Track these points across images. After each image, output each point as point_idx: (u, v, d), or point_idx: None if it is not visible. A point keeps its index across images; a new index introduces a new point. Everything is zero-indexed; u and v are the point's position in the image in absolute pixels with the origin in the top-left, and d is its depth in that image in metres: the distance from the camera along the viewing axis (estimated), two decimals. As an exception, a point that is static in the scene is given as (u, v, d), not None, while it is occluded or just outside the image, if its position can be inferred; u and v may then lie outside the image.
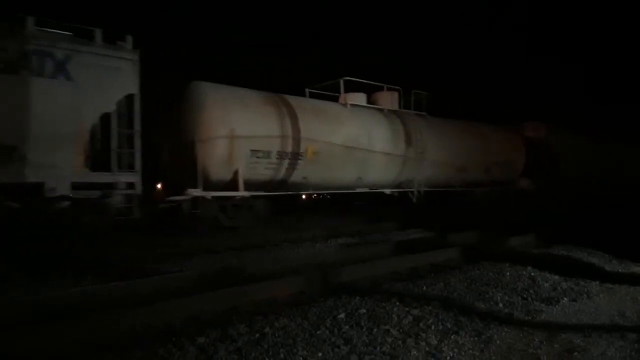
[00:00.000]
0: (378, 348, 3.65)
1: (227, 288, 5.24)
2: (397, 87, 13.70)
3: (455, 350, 3.67)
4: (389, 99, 13.62)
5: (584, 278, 5.89)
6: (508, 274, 6.06)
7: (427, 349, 3.67)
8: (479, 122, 16.40)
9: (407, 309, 4.53)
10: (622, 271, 6.58)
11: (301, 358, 3.47)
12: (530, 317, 4.50)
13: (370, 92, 13.62)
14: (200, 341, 3.73)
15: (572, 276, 5.95)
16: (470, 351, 3.68)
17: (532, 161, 17.27)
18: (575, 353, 3.72)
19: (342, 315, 4.32)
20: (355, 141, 11.92)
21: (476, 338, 3.91)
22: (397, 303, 4.70)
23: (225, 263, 7.14)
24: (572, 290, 5.42)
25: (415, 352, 3.60)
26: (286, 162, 10.77)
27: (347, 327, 4.06)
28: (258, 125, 10.45)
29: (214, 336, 3.83)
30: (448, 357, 3.57)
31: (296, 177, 11.08)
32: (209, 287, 5.45)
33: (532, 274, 6.05)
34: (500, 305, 4.84)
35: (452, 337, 3.90)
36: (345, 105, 12.52)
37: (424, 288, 5.37)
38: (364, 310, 4.45)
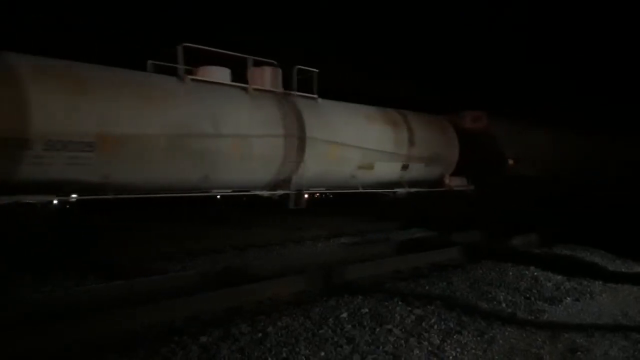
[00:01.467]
0: (381, 347, 3.65)
1: (229, 287, 5.24)
2: (272, 62, 10.08)
3: (458, 349, 3.67)
4: (266, 77, 10.08)
5: (586, 278, 5.88)
6: (511, 273, 6.05)
7: (429, 348, 3.67)
8: (399, 110, 12.91)
9: (409, 308, 4.53)
10: (625, 271, 6.57)
11: (304, 357, 3.47)
12: (533, 317, 4.50)
13: (243, 68, 9.85)
14: (202, 340, 3.73)
15: (575, 276, 5.93)
16: (473, 351, 3.68)
17: (470, 157, 14.47)
18: (578, 353, 3.71)
19: (344, 315, 4.32)
20: (193, 127, 8.52)
21: (479, 338, 3.91)
22: (400, 302, 4.69)
23: (228, 262, 7.15)
24: (575, 290, 5.41)
25: (417, 352, 3.60)
26: (63, 155, 7.12)
27: (349, 326, 4.05)
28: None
29: (216, 335, 3.84)
30: (451, 357, 3.56)
31: (88, 176, 7.48)
32: (211, 287, 5.46)
33: (535, 273, 6.04)
34: (503, 304, 4.83)
35: (454, 336, 3.89)
36: (182, 80, 8.89)
37: (427, 287, 5.36)
38: (367, 310, 4.45)
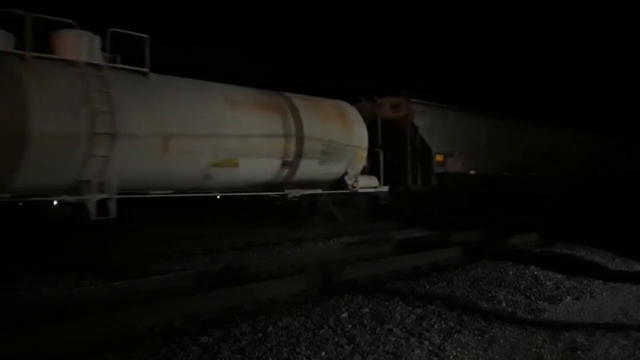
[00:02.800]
0: (381, 347, 3.64)
1: (229, 287, 5.24)
2: (70, 22, 7.35)
3: (459, 349, 3.66)
4: (74, 45, 7.22)
5: (587, 277, 5.88)
6: (511, 272, 6.05)
7: (430, 348, 3.67)
8: (283, 92, 10.14)
9: (410, 308, 4.52)
10: (626, 269, 6.57)
11: (304, 357, 3.46)
12: (533, 316, 4.49)
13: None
14: (203, 340, 3.72)
15: (575, 275, 5.93)
16: (474, 350, 3.67)
17: (386, 153, 11.89)
18: (579, 352, 3.70)
19: (345, 315, 4.31)
20: None
21: (479, 337, 3.90)
22: (400, 302, 4.69)
23: (228, 262, 7.15)
24: (576, 288, 5.41)
25: (418, 352, 3.60)
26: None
27: (350, 326, 4.05)
28: None
29: (217, 335, 3.83)
30: (451, 356, 3.56)
31: None
32: (211, 287, 5.46)
33: (535, 272, 6.04)
34: (504, 304, 4.83)
35: (455, 336, 3.89)
36: None
37: (427, 287, 5.36)
38: (367, 310, 4.45)
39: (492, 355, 3.62)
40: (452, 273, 6.10)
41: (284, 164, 9.41)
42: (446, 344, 3.73)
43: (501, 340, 3.86)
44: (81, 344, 3.85)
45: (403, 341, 3.76)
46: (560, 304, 4.87)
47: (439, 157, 13.38)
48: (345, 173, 10.68)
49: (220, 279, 5.94)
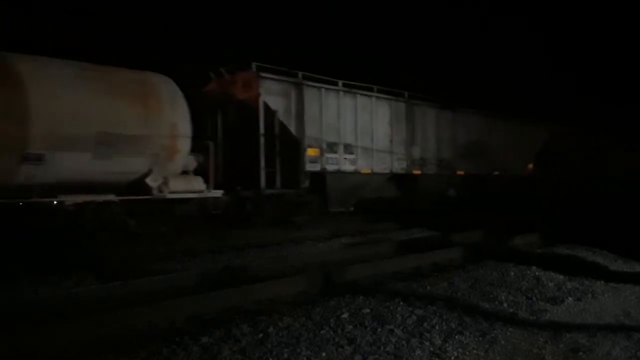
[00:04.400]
0: (382, 348, 3.63)
1: (230, 287, 5.23)
2: None
3: (460, 350, 3.65)
4: None
5: (588, 277, 5.86)
6: (512, 273, 6.04)
7: (431, 349, 3.65)
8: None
9: (411, 308, 4.51)
10: (627, 270, 6.56)
11: (305, 358, 3.45)
12: (535, 317, 4.48)
13: None
14: (204, 341, 3.71)
15: (576, 275, 5.92)
16: (475, 351, 3.66)
17: (234, 146, 9.47)
18: (580, 353, 3.69)
19: (345, 315, 4.30)
20: None
21: (481, 338, 3.89)
22: (401, 303, 4.68)
23: (228, 262, 7.14)
24: (577, 289, 5.40)
25: (419, 352, 3.59)
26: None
27: (350, 326, 4.04)
28: None
29: (217, 336, 3.82)
30: (452, 357, 3.55)
31: None
32: (211, 287, 5.45)
33: (537, 273, 6.03)
34: (505, 305, 4.81)
35: (456, 337, 3.88)
36: None
37: (428, 288, 5.35)
38: (368, 310, 4.44)
39: (493, 356, 3.61)
40: (453, 274, 6.09)
41: (24, 159, 6.62)
42: (447, 344, 3.72)
43: (502, 341, 3.85)
44: (81, 344, 3.84)
45: (404, 342, 3.75)
46: (561, 305, 4.85)
47: (312, 151, 10.52)
48: (149, 172, 7.71)
49: (220, 279, 5.93)
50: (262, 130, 9.90)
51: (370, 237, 10.07)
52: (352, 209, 11.91)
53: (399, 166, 13.08)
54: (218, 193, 9.04)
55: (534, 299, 5.04)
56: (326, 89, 11.55)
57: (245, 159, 9.83)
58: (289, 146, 10.33)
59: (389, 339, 3.80)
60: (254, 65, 10.04)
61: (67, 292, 5.26)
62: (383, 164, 12.70)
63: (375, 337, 3.83)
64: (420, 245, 8.41)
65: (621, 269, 6.64)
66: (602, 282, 5.73)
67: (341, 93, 11.91)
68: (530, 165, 18.17)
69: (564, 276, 5.92)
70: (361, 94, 12.38)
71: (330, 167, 11.30)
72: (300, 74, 10.99)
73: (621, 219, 10.41)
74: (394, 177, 13.01)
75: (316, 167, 10.96)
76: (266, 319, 4.20)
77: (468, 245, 8.24)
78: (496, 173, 16.34)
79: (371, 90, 12.65)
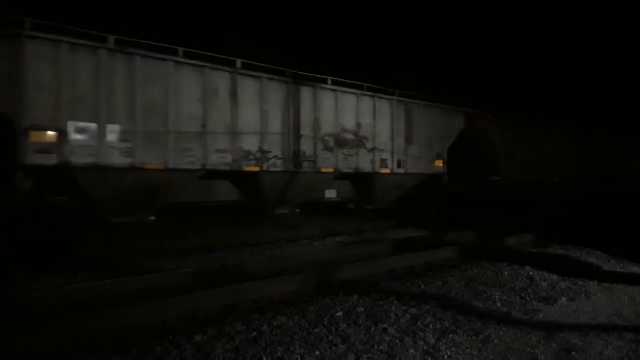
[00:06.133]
0: (376, 347, 3.63)
1: (224, 286, 5.22)
2: None
3: (454, 349, 3.66)
4: None
5: (582, 278, 5.89)
6: (506, 273, 6.05)
7: (425, 348, 3.66)
8: None
9: (405, 307, 4.51)
10: (621, 271, 6.58)
11: (299, 356, 3.45)
12: (528, 317, 4.49)
13: None
14: (197, 339, 3.70)
15: (570, 276, 5.94)
16: (469, 350, 3.67)
17: None
18: (573, 353, 3.71)
19: (339, 314, 4.30)
20: None
21: (474, 337, 3.90)
22: (395, 302, 4.68)
23: (222, 261, 7.12)
24: (571, 289, 5.42)
25: (413, 351, 3.59)
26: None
27: (344, 325, 4.04)
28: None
29: (211, 334, 3.81)
30: (446, 356, 3.55)
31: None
32: (206, 285, 5.43)
33: (531, 273, 6.05)
34: (499, 304, 4.82)
35: (450, 336, 3.88)
36: None
37: (422, 287, 5.36)
38: (362, 309, 4.44)
39: (486, 356, 3.61)
40: (447, 273, 6.10)
41: None
42: (441, 344, 3.73)
43: (496, 341, 3.86)
44: (73, 342, 3.82)
45: (398, 341, 3.75)
46: (555, 305, 4.87)
47: (36, 136, 7.43)
48: None
49: (215, 277, 5.91)
50: None
51: (366, 237, 10.06)
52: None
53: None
54: None
55: (528, 298, 5.05)
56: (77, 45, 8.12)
57: None
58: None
59: (382, 337, 3.80)
60: None
61: (58, 290, 5.23)
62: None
63: (369, 336, 3.83)
64: (415, 244, 8.42)
65: (615, 269, 6.67)
66: (596, 282, 5.75)
67: (104, 52, 8.42)
68: (439, 163, 14.66)
69: (558, 276, 5.94)
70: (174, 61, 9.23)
71: (80, 160, 8.10)
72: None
73: (616, 219, 10.45)
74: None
75: (52, 160, 7.77)
76: (260, 318, 4.19)
77: (463, 245, 8.25)
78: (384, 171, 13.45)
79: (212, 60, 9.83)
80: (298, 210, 11.39)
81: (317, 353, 3.50)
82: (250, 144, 10.33)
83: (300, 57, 14.11)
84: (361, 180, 12.66)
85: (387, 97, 13.20)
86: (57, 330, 3.91)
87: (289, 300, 5.08)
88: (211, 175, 9.90)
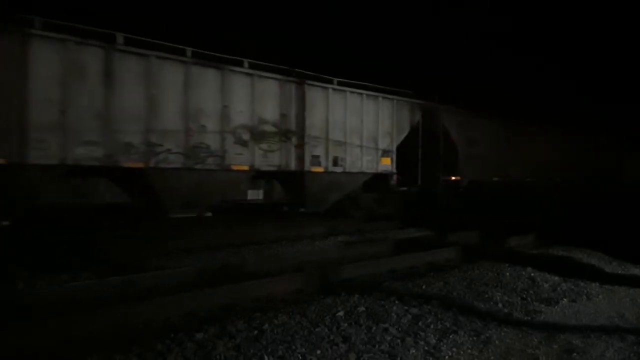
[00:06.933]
0: (377, 346, 3.64)
1: (225, 284, 5.23)
2: None
3: (454, 349, 3.66)
4: None
5: (583, 279, 5.89)
6: (507, 274, 6.05)
7: (426, 348, 3.66)
8: None
9: (406, 307, 4.52)
10: (622, 273, 6.58)
11: (300, 355, 3.46)
12: (529, 318, 4.50)
13: None
14: (198, 337, 3.71)
15: (571, 277, 5.94)
16: (469, 351, 3.67)
17: None
18: (574, 354, 3.71)
19: (341, 313, 4.31)
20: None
21: (475, 338, 3.90)
22: (396, 302, 4.69)
23: (224, 260, 7.13)
24: (572, 291, 5.41)
25: (414, 351, 3.59)
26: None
27: (345, 325, 4.05)
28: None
29: (212, 332, 3.82)
30: (447, 357, 3.56)
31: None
32: (207, 284, 5.44)
33: (532, 274, 6.04)
34: (500, 305, 4.83)
35: (451, 336, 3.89)
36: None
37: (423, 287, 5.36)
38: (363, 309, 4.44)
39: (487, 356, 3.62)
40: (448, 273, 6.10)
41: None
42: (442, 344, 3.73)
43: (497, 341, 3.86)
44: (76, 339, 3.84)
45: (399, 341, 3.76)
46: (556, 306, 4.87)
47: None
48: None
49: (216, 276, 5.92)
50: None
51: (367, 236, 10.07)
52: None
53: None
54: None
55: (529, 299, 5.06)
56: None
57: None
58: None
59: (383, 337, 3.81)
60: None
61: (62, 288, 5.25)
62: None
63: (370, 335, 3.84)
64: (416, 244, 8.43)
65: (616, 271, 6.67)
66: (597, 283, 5.75)
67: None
68: (387, 161, 12.69)
69: (559, 277, 5.94)
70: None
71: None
72: None
73: (617, 221, 10.44)
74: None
75: None
76: (261, 316, 4.20)
77: (464, 246, 8.25)
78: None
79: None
80: (210, 214, 9.63)
81: (318, 352, 3.51)
82: (132, 135, 8.27)
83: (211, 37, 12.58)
84: (290, 180, 10.77)
85: (322, 84, 11.03)
86: (59, 327, 3.92)
87: (291, 299, 5.09)
88: (85, 172, 8.11)
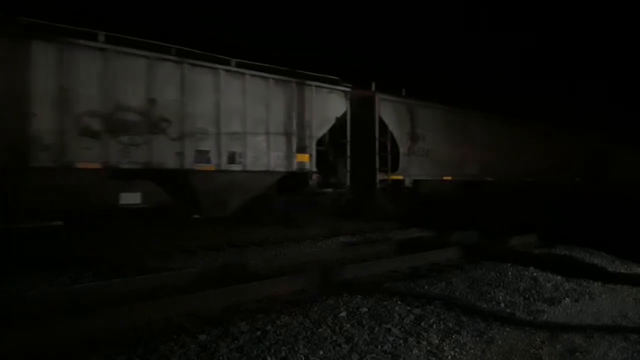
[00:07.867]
0: (379, 347, 3.64)
1: (228, 285, 5.24)
2: None
3: (457, 350, 3.66)
4: None
5: (586, 278, 5.88)
6: (510, 273, 6.05)
7: (428, 348, 3.67)
8: None
9: (408, 308, 4.52)
10: (625, 272, 6.57)
11: (302, 356, 3.46)
12: (532, 318, 4.49)
13: None
14: (201, 338, 3.72)
15: (574, 276, 5.93)
16: (472, 351, 3.67)
17: None
18: (577, 354, 3.70)
19: (343, 314, 4.31)
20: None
21: (478, 338, 3.90)
22: (399, 302, 4.69)
23: (227, 260, 7.14)
24: (575, 290, 5.41)
25: (416, 352, 3.60)
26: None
27: (348, 325, 4.05)
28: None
29: (215, 334, 3.83)
30: (450, 357, 3.56)
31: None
32: (210, 285, 5.45)
33: (534, 274, 6.04)
34: (502, 305, 4.82)
35: (453, 336, 3.89)
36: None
37: (426, 287, 5.36)
38: (366, 309, 4.45)
39: (490, 356, 3.61)
40: (451, 273, 6.10)
41: None
42: (444, 344, 3.73)
43: (499, 341, 3.86)
44: (79, 340, 3.85)
45: (401, 341, 3.76)
46: (559, 306, 4.86)
47: None
48: None
49: (219, 277, 5.93)
50: None
51: (369, 237, 10.07)
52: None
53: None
54: None
55: (532, 299, 5.05)
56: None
57: None
58: None
59: (386, 338, 3.81)
60: None
61: (64, 289, 5.26)
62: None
63: (373, 335, 3.84)
64: (418, 244, 8.42)
65: (619, 270, 6.65)
66: (600, 283, 5.74)
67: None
68: (304, 157, 10.89)
69: (562, 277, 5.93)
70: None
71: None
72: None
73: (620, 220, 10.41)
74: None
75: None
76: (264, 317, 4.21)
77: (466, 246, 8.24)
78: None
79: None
80: (60, 223, 8.20)
81: (321, 353, 3.52)
82: None
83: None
84: (172, 181, 8.89)
85: (209, 64, 9.17)
86: (62, 328, 3.93)
87: (293, 300, 5.09)
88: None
